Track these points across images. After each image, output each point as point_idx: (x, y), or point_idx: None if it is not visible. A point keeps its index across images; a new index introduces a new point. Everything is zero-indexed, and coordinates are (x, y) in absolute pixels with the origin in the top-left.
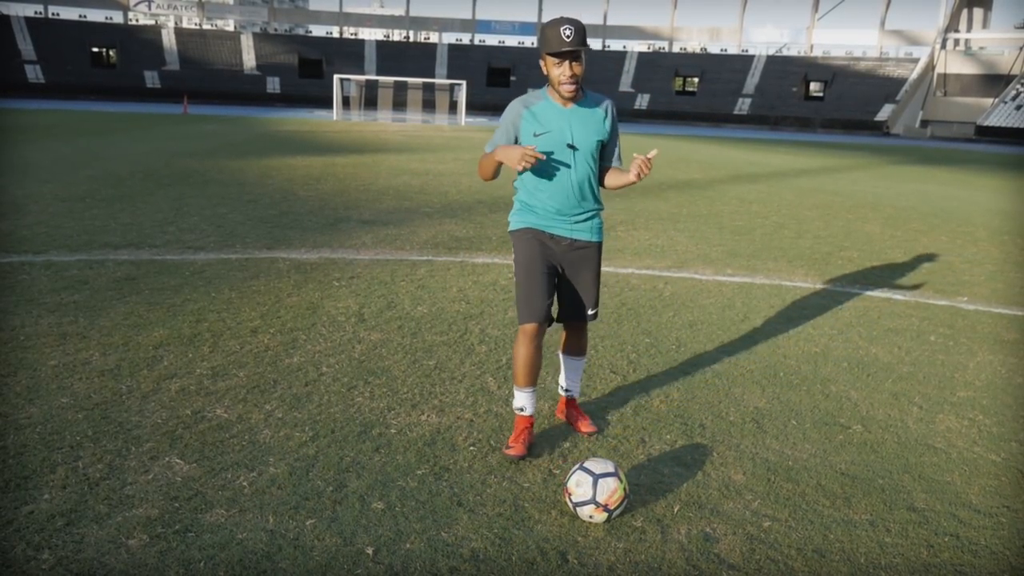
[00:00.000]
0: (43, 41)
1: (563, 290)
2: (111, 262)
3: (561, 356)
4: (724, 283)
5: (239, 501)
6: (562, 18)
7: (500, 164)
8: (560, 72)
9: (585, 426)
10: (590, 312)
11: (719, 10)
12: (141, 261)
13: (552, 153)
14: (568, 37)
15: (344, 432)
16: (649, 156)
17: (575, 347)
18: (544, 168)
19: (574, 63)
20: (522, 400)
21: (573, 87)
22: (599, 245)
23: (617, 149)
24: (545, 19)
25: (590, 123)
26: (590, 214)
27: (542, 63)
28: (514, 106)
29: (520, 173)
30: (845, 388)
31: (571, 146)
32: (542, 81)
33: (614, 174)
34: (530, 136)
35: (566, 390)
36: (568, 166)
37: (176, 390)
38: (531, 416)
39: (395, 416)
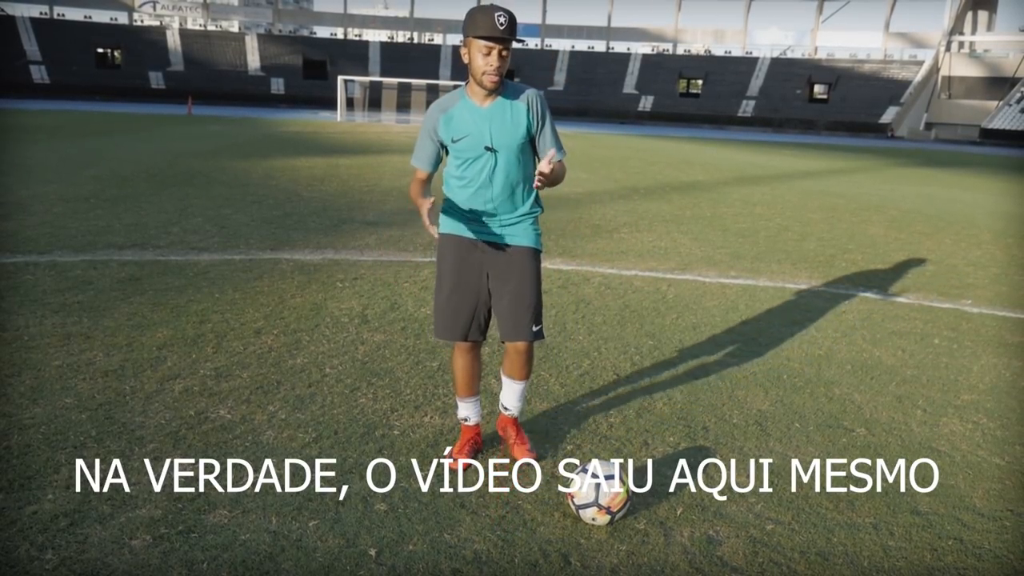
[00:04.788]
0: (48, 41)
1: (498, 304)
2: (115, 262)
3: (502, 374)
4: (728, 285)
5: (242, 502)
6: (493, 5)
7: (427, 185)
8: (486, 62)
9: (521, 452)
10: (533, 328)
11: (723, 12)
12: (145, 262)
13: (473, 158)
14: (502, 25)
15: (347, 433)
16: (546, 167)
17: (514, 370)
18: (467, 172)
19: (502, 52)
20: (465, 410)
21: (496, 79)
22: (535, 251)
23: (554, 139)
24: (549, 21)
25: (511, 120)
26: (522, 217)
27: (463, 50)
28: (431, 112)
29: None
30: (849, 391)
31: (489, 148)
32: (544, 82)
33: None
34: (449, 141)
35: (505, 408)
36: (487, 169)
37: (180, 391)
38: (476, 425)
39: (398, 417)
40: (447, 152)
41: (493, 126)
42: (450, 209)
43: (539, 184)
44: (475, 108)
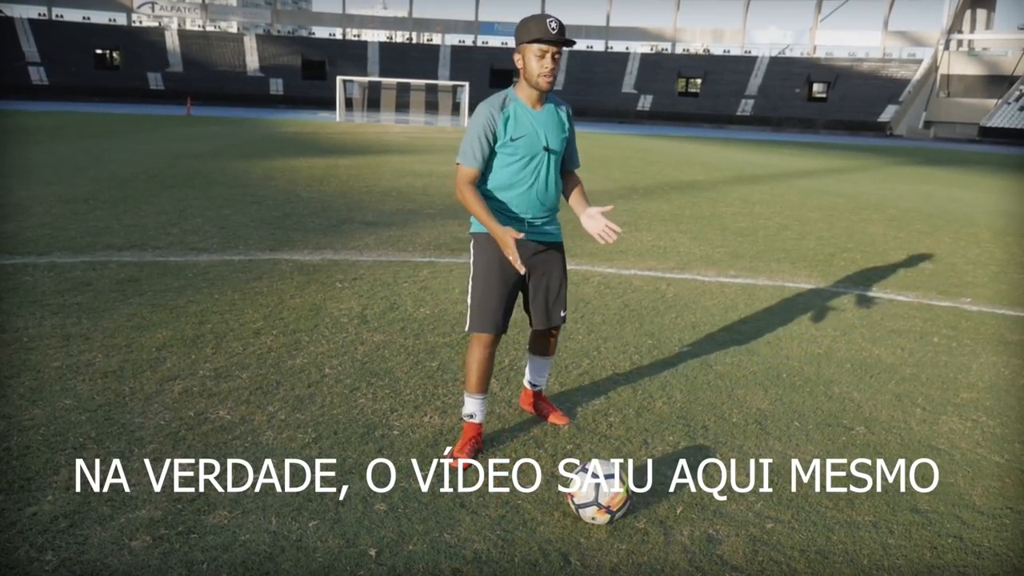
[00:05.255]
0: (47, 43)
1: (534, 297)
2: (114, 263)
3: (528, 354)
4: (727, 284)
5: (242, 503)
6: (544, 13)
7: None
8: (541, 64)
9: (557, 417)
10: (562, 314)
11: (722, 11)
12: (144, 263)
13: (528, 157)
14: (554, 29)
15: (347, 434)
16: (611, 228)
17: (545, 348)
18: (520, 172)
19: (556, 56)
20: (472, 407)
21: (551, 80)
22: (562, 245)
23: (576, 150)
24: None
25: (557, 125)
26: (553, 216)
27: (517, 57)
28: (486, 108)
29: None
30: (848, 389)
31: (547, 149)
32: None
33: (576, 194)
34: (507, 141)
35: (533, 384)
36: (542, 170)
37: (179, 391)
38: (480, 424)
39: (397, 417)
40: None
41: (547, 129)
42: (490, 211)
43: (605, 235)
44: (529, 110)
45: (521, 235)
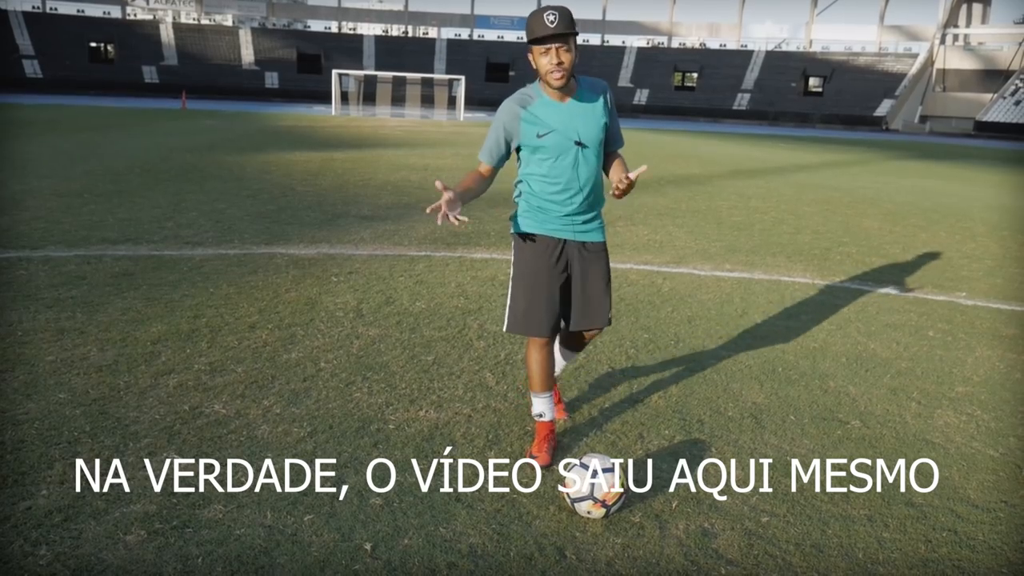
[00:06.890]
0: (41, 36)
1: (577, 299)
2: (109, 257)
3: (558, 346)
4: (723, 279)
5: (237, 497)
6: (545, 7)
7: (486, 178)
8: (547, 61)
9: (556, 411)
10: (607, 317)
11: (718, 6)
12: (139, 257)
13: (560, 153)
14: (552, 22)
15: (342, 428)
16: (631, 177)
17: (577, 344)
18: (553, 169)
19: (561, 50)
20: (541, 406)
21: (560, 77)
22: (605, 244)
23: (619, 131)
24: None
25: (592, 115)
26: (596, 213)
27: (530, 56)
28: (509, 107)
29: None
30: (843, 384)
31: (580, 143)
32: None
33: (617, 166)
34: (533, 138)
35: None
36: (578, 165)
37: (174, 386)
38: (551, 422)
39: (393, 412)
40: (519, 152)
41: (579, 121)
42: (531, 209)
43: (620, 192)
44: (556, 104)
45: (450, 194)
